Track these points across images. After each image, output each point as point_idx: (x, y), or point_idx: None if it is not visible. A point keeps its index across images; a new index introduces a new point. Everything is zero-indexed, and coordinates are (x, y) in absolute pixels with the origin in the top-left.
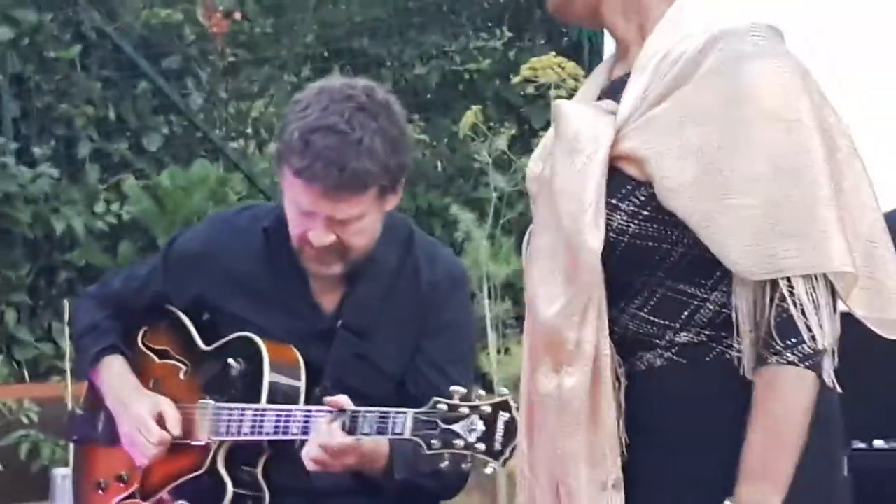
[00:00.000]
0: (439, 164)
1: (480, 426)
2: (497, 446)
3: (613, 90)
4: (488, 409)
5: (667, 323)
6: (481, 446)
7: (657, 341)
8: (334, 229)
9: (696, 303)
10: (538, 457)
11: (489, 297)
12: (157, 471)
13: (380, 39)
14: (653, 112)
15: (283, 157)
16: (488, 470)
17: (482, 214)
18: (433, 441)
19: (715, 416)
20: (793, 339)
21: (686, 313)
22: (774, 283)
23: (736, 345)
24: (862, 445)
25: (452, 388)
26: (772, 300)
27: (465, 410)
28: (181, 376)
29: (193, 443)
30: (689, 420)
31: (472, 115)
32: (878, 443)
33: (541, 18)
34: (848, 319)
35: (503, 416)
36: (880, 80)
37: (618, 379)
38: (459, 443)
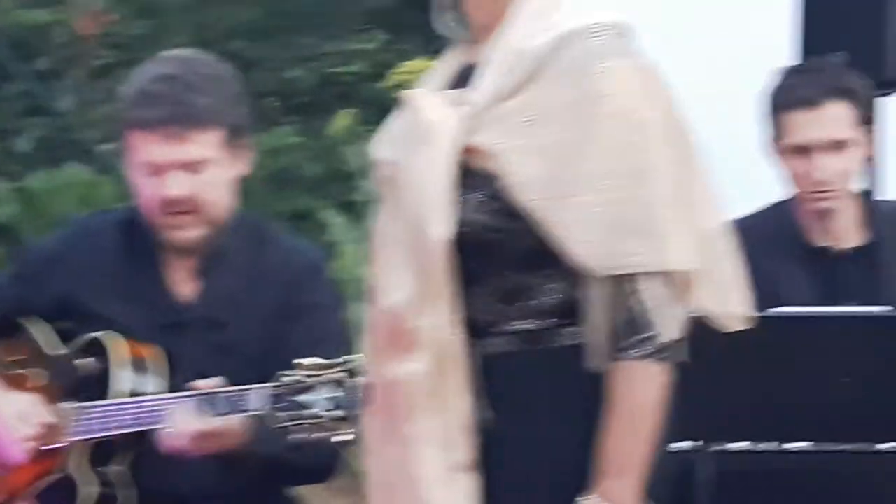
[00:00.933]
0: (313, 167)
1: (331, 394)
2: (349, 413)
3: (464, 78)
4: (338, 376)
5: (512, 311)
6: (333, 414)
7: (503, 328)
8: (186, 178)
9: (539, 292)
10: (387, 444)
11: (361, 300)
12: (18, 478)
13: (255, 41)
14: (503, 107)
15: (124, 124)
16: (342, 437)
17: (357, 218)
18: (285, 413)
19: (559, 401)
20: (643, 335)
21: (531, 302)
22: (623, 279)
23: (586, 336)
24: (729, 447)
25: (302, 360)
26: (621, 296)
27: (314, 381)
28: (39, 383)
29: (54, 446)
30: (535, 404)
31: (343, 118)
32: (744, 444)
33: (416, 22)
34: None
35: (353, 382)
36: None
37: (468, 362)
38: (308, 413)
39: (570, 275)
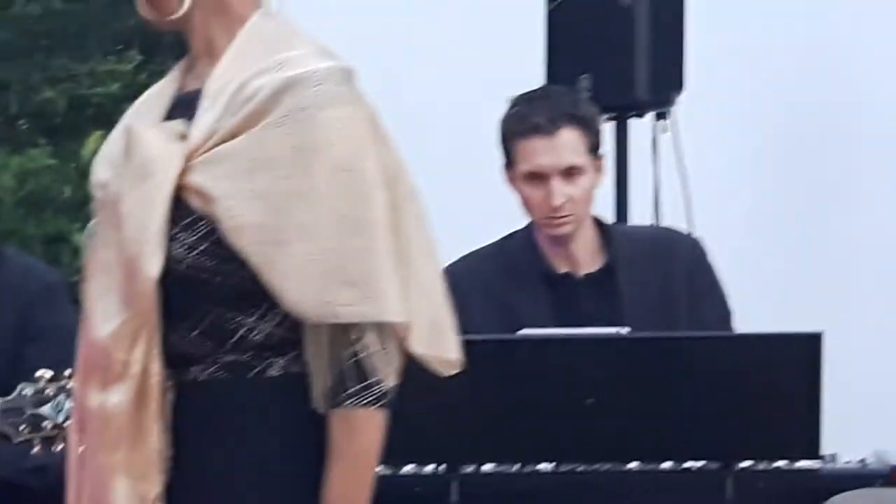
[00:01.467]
0: (67, 189)
1: (69, 405)
2: None
3: (184, 105)
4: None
5: (214, 345)
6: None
7: (209, 360)
8: None
9: (244, 330)
10: (84, 470)
11: None
12: None
13: (5, 62)
14: (223, 148)
15: None
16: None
17: None
18: (21, 427)
19: (254, 428)
20: (364, 382)
21: (234, 338)
22: (341, 327)
23: (309, 375)
24: (477, 469)
25: (38, 372)
26: (339, 343)
27: (53, 391)
28: None
29: None
30: (230, 432)
31: (96, 140)
32: (491, 466)
33: (170, 42)
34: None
35: None
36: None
37: (170, 396)
38: (48, 424)
39: (272, 314)
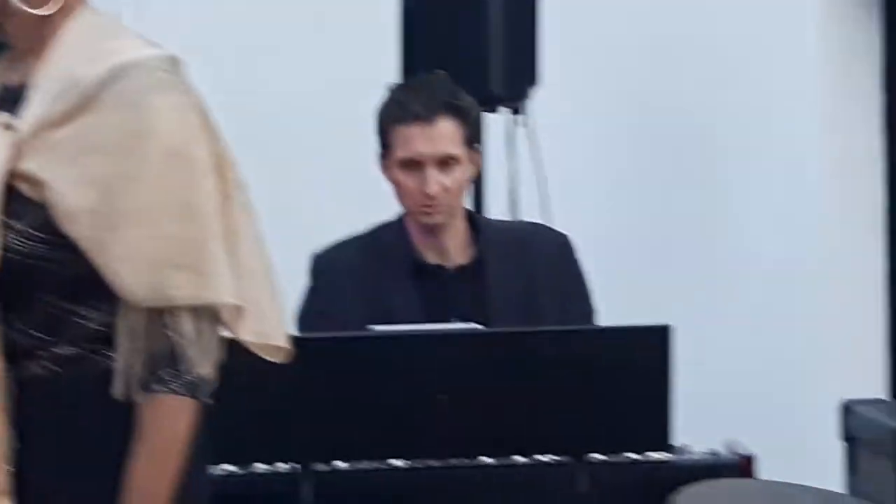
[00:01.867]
0: None
1: None
2: None
3: (9, 99)
4: None
5: (49, 338)
6: None
7: (40, 352)
8: None
9: (80, 320)
10: None
11: None
12: None
13: None
14: (54, 135)
15: None
16: None
17: None
18: None
19: (91, 424)
20: (178, 369)
21: (69, 329)
22: (162, 313)
23: (116, 363)
24: (330, 466)
25: None
26: (159, 329)
27: None
28: None
29: None
30: (70, 424)
31: None
32: (345, 464)
33: None
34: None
35: None
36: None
37: (6, 389)
38: None
39: (108, 304)
